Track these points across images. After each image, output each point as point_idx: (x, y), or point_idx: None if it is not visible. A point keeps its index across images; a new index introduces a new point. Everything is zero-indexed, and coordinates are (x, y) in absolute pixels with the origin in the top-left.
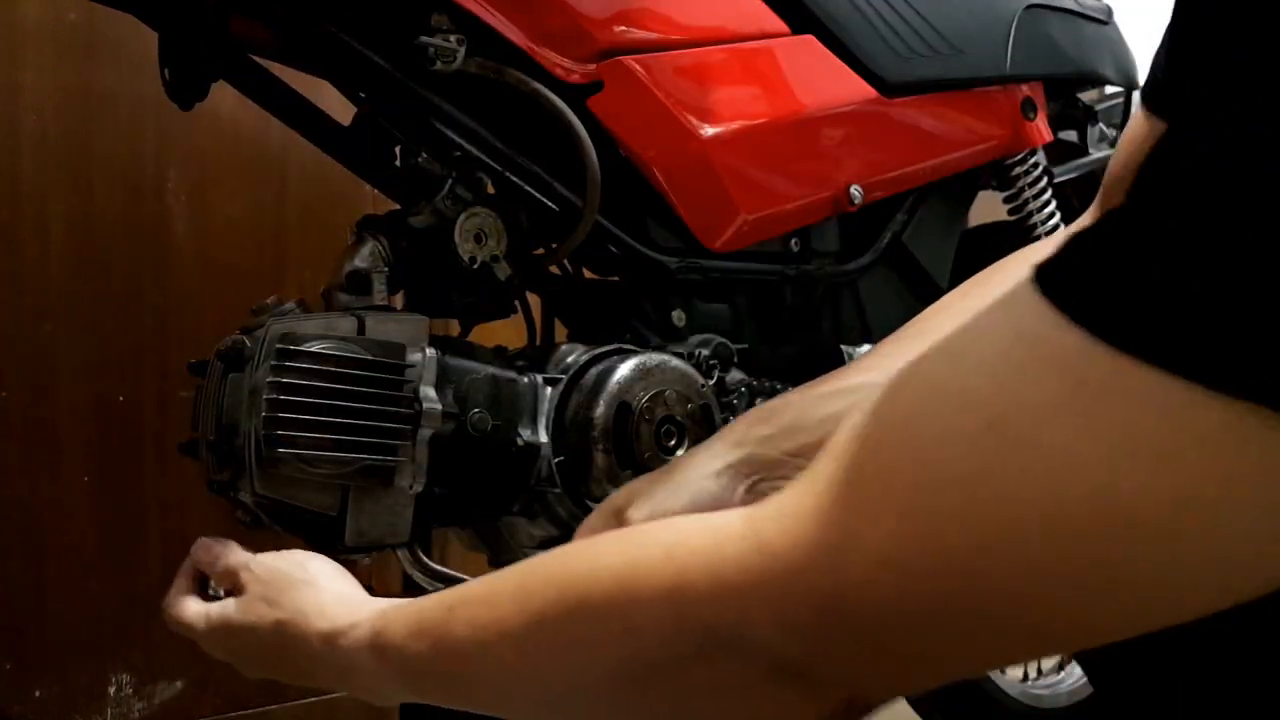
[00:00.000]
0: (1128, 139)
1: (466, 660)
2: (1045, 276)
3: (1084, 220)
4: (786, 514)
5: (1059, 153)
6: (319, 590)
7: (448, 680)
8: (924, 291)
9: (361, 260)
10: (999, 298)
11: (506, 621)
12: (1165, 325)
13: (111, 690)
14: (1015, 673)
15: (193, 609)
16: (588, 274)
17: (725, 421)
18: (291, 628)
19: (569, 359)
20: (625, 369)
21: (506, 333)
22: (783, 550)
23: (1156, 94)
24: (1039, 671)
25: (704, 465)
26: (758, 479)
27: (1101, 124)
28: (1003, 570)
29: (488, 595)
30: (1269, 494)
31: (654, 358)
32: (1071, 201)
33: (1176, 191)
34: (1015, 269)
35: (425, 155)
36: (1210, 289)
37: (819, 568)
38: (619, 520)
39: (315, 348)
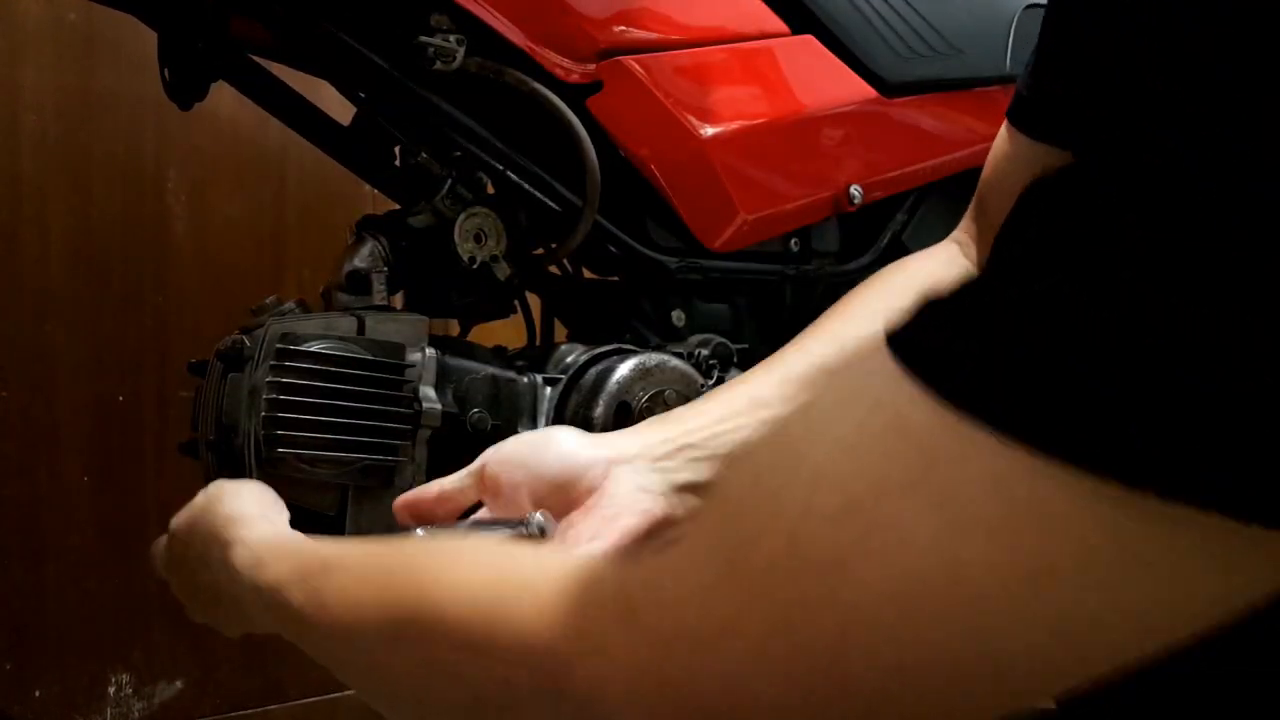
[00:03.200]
0: (995, 155)
1: (333, 631)
2: (900, 343)
3: (958, 234)
4: (658, 586)
5: None
6: (242, 500)
7: (316, 641)
8: None
9: (361, 260)
10: (857, 366)
11: (366, 610)
12: (1012, 393)
13: (111, 690)
14: None
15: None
16: (588, 274)
17: None
18: (206, 523)
19: (569, 359)
20: (624, 369)
21: (506, 333)
22: (653, 626)
23: (1022, 117)
24: None
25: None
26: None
27: None
28: (865, 663)
29: (359, 564)
30: (1116, 569)
31: (653, 358)
32: None
33: (1021, 272)
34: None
35: (425, 155)
36: (1060, 359)
37: (689, 659)
38: (475, 473)
39: (315, 348)
